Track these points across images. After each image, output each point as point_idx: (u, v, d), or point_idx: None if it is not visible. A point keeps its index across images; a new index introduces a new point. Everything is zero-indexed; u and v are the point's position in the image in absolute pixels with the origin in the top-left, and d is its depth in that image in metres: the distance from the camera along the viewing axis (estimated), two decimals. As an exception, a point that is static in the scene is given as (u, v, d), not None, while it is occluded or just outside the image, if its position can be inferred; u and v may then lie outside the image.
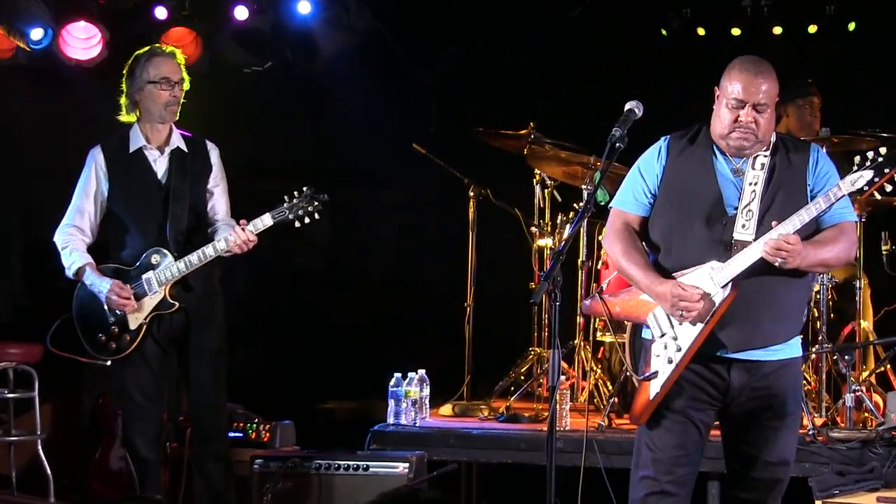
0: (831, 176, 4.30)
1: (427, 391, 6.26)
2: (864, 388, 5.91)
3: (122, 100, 5.49)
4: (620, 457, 5.37)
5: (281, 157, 8.04)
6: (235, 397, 6.21)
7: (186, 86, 5.50)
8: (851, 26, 7.49)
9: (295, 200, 5.30)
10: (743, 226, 4.20)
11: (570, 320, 6.20)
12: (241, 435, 6.45)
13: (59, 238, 5.49)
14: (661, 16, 7.68)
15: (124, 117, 5.51)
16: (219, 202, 5.56)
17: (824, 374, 6.00)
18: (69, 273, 5.45)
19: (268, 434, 6.45)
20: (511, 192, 7.13)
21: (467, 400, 6.78)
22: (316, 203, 5.30)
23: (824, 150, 5.87)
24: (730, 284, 4.16)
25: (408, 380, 6.17)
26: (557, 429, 4.24)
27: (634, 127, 4.27)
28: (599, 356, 6.61)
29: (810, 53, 7.53)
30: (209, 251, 5.32)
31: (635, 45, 7.74)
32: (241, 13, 7.33)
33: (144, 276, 5.36)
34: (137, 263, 5.39)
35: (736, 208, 4.23)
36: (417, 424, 6.10)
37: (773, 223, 4.13)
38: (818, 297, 6.01)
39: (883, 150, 4.12)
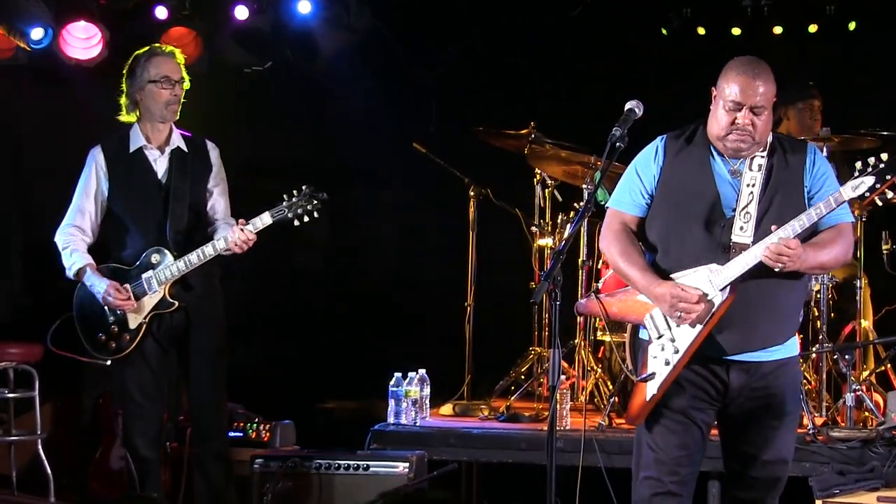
0: (828, 177, 4.29)
1: (427, 391, 6.26)
2: (864, 388, 5.91)
3: (122, 100, 5.50)
4: (621, 456, 5.37)
5: (281, 157, 8.03)
6: (235, 397, 6.21)
7: (186, 85, 5.50)
8: (852, 26, 7.49)
9: (294, 199, 5.30)
10: (741, 228, 4.19)
11: (571, 320, 6.19)
12: (241, 434, 6.45)
13: (59, 238, 5.50)
14: (661, 15, 7.68)
15: (124, 117, 5.52)
16: (218, 202, 5.56)
17: (825, 373, 6.00)
18: (69, 274, 5.46)
19: (268, 434, 6.45)
20: (511, 192, 7.13)
21: (468, 399, 6.78)
22: (315, 202, 5.30)
23: (825, 149, 5.94)
24: (728, 287, 4.16)
25: (408, 379, 6.18)
26: (558, 428, 4.24)
27: (634, 126, 4.26)
28: (600, 356, 6.62)
29: (810, 53, 7.53)
30: (209, 250, 5.32)
31: (635, 45, 7.73)
32: (241, 13, 7.33)
33: (144, 276, 5.36)
34: (137, 263, 5.39)
35: (734, 210, 4.22)
36: (418, 424, 6.10)
37: (773, 227, 4.11)
38: (818, 296, 6.01)
39: (884, 156, 4.08)
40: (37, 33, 6.77)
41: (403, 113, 7.84)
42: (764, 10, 7.43)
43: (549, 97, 7.78)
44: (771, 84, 4.24)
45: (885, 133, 6.04)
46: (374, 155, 7.90)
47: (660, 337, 4.27)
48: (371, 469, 5.51)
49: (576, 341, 6.39)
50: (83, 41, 7.02)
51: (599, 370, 6.49)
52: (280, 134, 8.09)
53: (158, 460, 5.60)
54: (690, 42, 7.64)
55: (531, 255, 6.96)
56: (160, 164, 5.48)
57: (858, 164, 4.12)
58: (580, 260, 6.39)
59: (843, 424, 5.74)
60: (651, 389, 4.27)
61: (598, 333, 6.46)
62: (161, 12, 7.21)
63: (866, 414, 5.85)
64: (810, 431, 5.57)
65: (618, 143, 4.19)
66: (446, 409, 6.63)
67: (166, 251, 5.37)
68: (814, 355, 6.05)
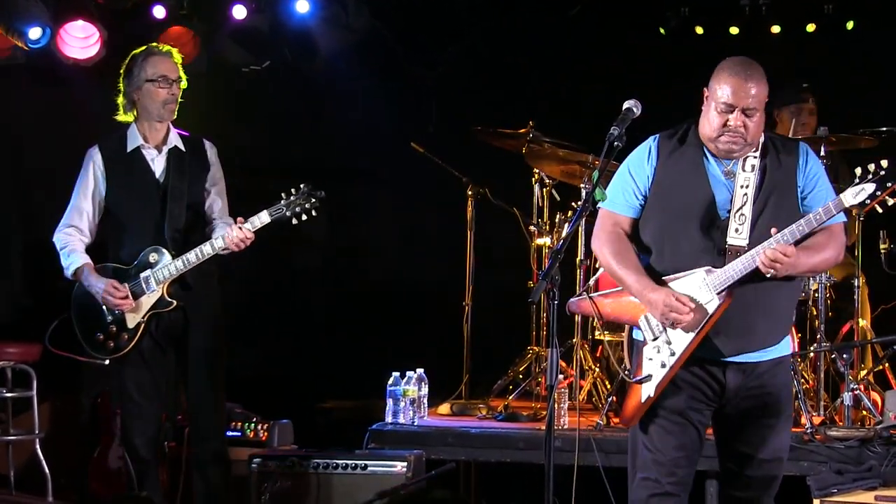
0: (820, 176, 4.28)
1: (425, 390, 6.26)
2: (862, 387, 5.91)
3: (120, 99, 5.49)
4: (619, 455, 5.36)
5: (279, 157, 8.03)
6: (234, 396, 6.21)
7: (184, 84, 5.50)
8: (850, 25, 7.49)
9: (292, 198, 5.30)
10: (736, 230, 4.18)
11: (569, 319, 6.18)
12: (239, 434, 6.44)
13: (57, 239, 5.49)
14: (659, 15, 7.69)
15: (121, 117, 5.52)
16: (216, 201, 5.56)
17: (822, 372, 5.99)
18: (67, 273, 5.45)
19: (265, 433, 6.45)
20: (510, 191, 7.13)
21: (466, 399, 6.79)
22: (313, 200, 5.30)
23: (822, 149, 5.94)
24: (724, 291, 4.15)
25: (406, 379, 6.17)
26: (556, 428, 4.24)
27: (633, 125, 4.25)
28: (598, 355, 6.62)
29: (808, 52, 7.53)
30: (207, 249, 5.32)
31: (634, 45, 7.74)
32: (239, 12, 7.33)
33: (142, 275, 5.36)
34: (135, 262, 5.39)
35: (729, 212, 4.20)
36: (416, 423, 6.10)
37: (773, 230, 4.09)
38: (816, 295, 6.01)
39: (884, 163, 4.07)
40: (35, 33, 6.76)
41: (403, 113, 7.84)
42: (762, 9, 7.44)
43: (548, 97, 7.78)
44: (763, 85, 4.21)
45: (884, 129, 6.03)
46: (373, 154, 7.90)
47: (655, 339, 4.26)
48: (369, 468, 5.51)
49: (574, 340, 6.39)
50: (81, 41, 7.02)
51: (597, 369, 6.49)
52: (278, 133, 8.09)
53: (157, 460, 5.60)
54: (689, 41, 7.64)
55: (529, 254, 6.97)
56: (158, 164, 5.48)
57: (858, 171, 4.10)
58: (578, 259, 6.39)
59: (840, 424, 5.74)
60: (647, 391, 4.26)
61: (597, 333, 6.46)
62: (159, 12, 7.22)
63: (864, 413, 5.86)
64: (808, 431, 5.58)
65: (616, 143, 4.16)
66: (444, 408, 6.64)
67: (164, 250, 5.36)
68: (812, 354, 6.05)
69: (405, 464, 5.49)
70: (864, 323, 6.26)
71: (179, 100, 5.48)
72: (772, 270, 4.08)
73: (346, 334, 7.84)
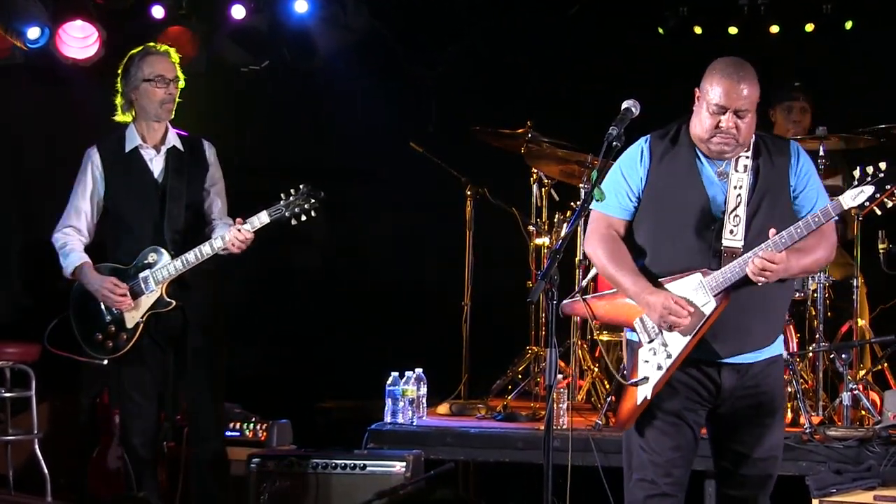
0: (812, 175, 4.28)
1: (424, 390, 6.27)
2: (861, 387, 5.91)
3: (118, 99, 5.49)
4: (618, 455, 5.33)
5: (278, 157, 8.04)
6: (233, 396, 6.22)
7: (182, 84, 5.50)
8: (848, 25, 7.50)
9: (291, 198, 5.29)
10: (731, 232, 4.17)
11: (568, 319, 6.20)
12: (238, 434, 6.44)
13: (56, 238, 5.49)
14: (658, 15, 7.69)
15: (120, 117, 5.51)
16: (215, 201, 5.56)
17: (821, 372, 5.99)
18: (66, 273, 5.45)
19: (264, 433, 6.45)
20: (509, 191, 7.14)
21: (464, 399, 6.79)
22: (312, 200, 5.29)
23: (821, 148, 5.95)
24: (721, 294, 4.14)
25: (405, 378, 6.18)
26: (554, 428, 4.23)
27: (632, 125, 4.25)
28: (597, 355, 6.61)
29: (807, 52, 7.54)
30: (206, 249, 5.32)
31: (633, 45, 7.74)
32: (238, 12, 7.34)
33: (141, 275, 5.35)
34: (134, 262, 5.38)
35: (723, 213, 4.19)
36: (415, 423, 6.10)
37: (772, 232, 4.09)
38: (815, 295, 6.01)
39: (883, 165, 4.07)
40: (33, 32, 6.77)
41: (402, 113, 7.84)
42: (760, 9, 7.45)
43: (548, 97, 7.78)
44: (755, 86, 4.20)
45: (882, 127, 6.04)
46: (373, 154, 7.90)
47: (651, 341, 4.25)
48: (368, 468, 5.51)
49: (573, 340, 6.39)
50: (80, 40, 7.02)
51: (596, 369, 6.49)
52: (277, 133, 8.09)
53: (156, 460, 5.59)
54: (688, 41, 7.65)
55: (528, 254, 6.97)
56: (156, 164, 5.48)
57: (857, 173, 4.10)
58: (577, 259, 6.39)
59: (839, 423, 5.74)
60: (643, 393, 4.25)
61: (595, 333, 6.46)
62: (158, 12, 7.22)
63: (863, 413, 5.86)
64: (807, 430, 5.57)
65: (614, 142, 4.16)
66: (443, 408, 6.64)
67: (163, 250, 5.36)
68: (811, 354, 6.05)
69: (404, 464, 5.49)
70: (862, 323, 6.26)
71: (178, 99, 5.48)
72: (761, 279, 4.07)
73: (346, 334, 7.84)
